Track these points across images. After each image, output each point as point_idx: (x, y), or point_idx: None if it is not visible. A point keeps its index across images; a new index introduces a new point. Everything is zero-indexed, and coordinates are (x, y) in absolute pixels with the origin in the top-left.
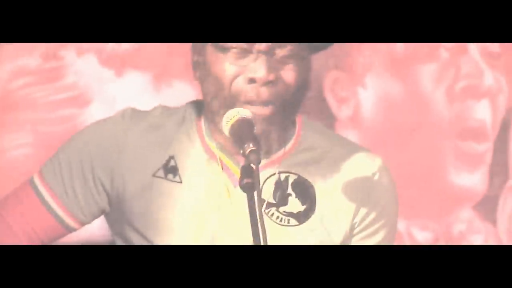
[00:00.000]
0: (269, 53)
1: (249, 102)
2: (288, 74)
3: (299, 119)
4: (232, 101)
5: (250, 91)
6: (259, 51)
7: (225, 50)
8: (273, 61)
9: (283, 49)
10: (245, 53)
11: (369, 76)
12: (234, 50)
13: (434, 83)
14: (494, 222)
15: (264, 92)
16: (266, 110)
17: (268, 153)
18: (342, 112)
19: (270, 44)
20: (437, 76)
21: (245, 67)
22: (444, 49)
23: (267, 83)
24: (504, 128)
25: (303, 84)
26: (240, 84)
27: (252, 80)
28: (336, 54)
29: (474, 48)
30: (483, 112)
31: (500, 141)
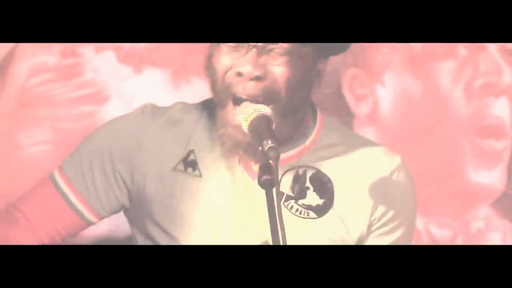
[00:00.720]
0: (260, 48)
1: (237, 97)
2: (279, 70)
3: (320, 118)
4: (225, 95)
5: (238, 84)
6: (249, 45)
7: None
8: (264, 57)
9: (276, 44)
10: (238, 46)
11: (387, 73)
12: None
13: (452, 80)
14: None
15: (251, 87)
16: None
17: (284, 148)
18: (360, 110)
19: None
20: (455, 74)
21: (237, 60)
22: (462, 47)
23: (254, 78)
24: None
25: (301, 82)
26: (230, 76)
27: (239, 74)
28: (355, 52)
29: (492, 45)
30: (501, 110)
31: None
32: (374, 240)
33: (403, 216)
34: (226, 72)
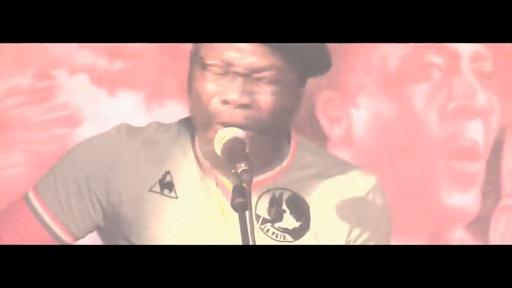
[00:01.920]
0: (246, 76)
1: (224, 124)
2: (265, 98)
3: (294, 139)
4: (210, 121)
5: (223, 112)
6: (235, 73)
7: (205, 67)
8: (249, 85)
9: (262, 73)
10: (224, 73)
11: (362, 96)
12: (213, 68)
13: (427, 103)
14: (486, 241)
15: (238, 114)
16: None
17: (259, 171)
18: (334, 132)
19: (248, 66)
20: (430, 96)
21: (222, 87)
22: (437, 69)
23: (241, 106)
24: (496, 148)
25: (284, 110)
26: (216, 104)
27: (225, 102)
28: (328, 74)
29: (466, 68)
30: (475, 132)
31: (492, 161)
32: None
33: (378, 237)
34: (211, 99)
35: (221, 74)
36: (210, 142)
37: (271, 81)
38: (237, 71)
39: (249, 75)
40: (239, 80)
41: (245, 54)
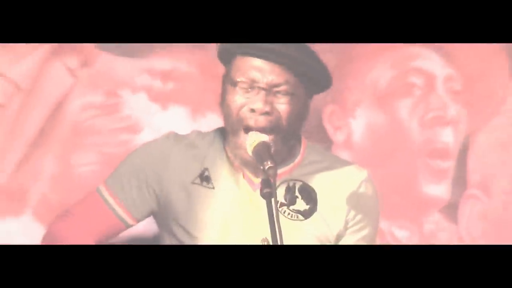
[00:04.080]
0: (268, 90)
1: (251, 128)
2: (282, 107)
3: (304, 142)
4: (238, 126)
5: (251, 118)
6: (259, 88)
7: (235, 84)
8: (270, 97)
9: (279, 87)
10: (250, 88)
11: (358, 109)
12: (242, 85)
13: (409, 114)
14: (456, 222)
15: (262, 120)
16: (262, 137)
17: (278, 166)
18: (337, 137)
19: (268, 82)
20: (412, 109)
21: (249, 99)
22: (417, 88)
23: (264, 113)
24: (463, 149)
25: (297, 116)
26: (244, 112)
27: (252, 110)
28: (332, 92)
29: (440, 87)
30: (447, 137)
31: (460, 159)
32: (349, 235)
33: (369, 218)
34: (240, 108)
35: (247, 89)
36: (239, 144)
37: (286, 94)
38: (260, 86)
39: (270, 89)
40: (262, 93)
41: (265, 73)
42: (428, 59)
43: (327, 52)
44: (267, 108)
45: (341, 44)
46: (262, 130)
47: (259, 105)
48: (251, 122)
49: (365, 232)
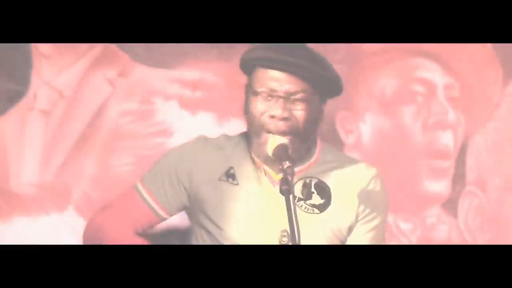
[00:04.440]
0: (286, 98)
1: (270, 131)
2: (299, 113)
3: (319, 143)
4: (261, 131)
5: (271, 123)
6: (278, 96)
7: (256, 94)
8: (288, 103)
9: (296, 95)
10: (269, 96)
11: (368, 115)
12: (262, 94)
13: (413, 119)
14: (455, 216)
15: (281, 125)
16: (282, 139)
17: (296, 165)
18: (348, 140)
19: (286, 91)
20: (415, 114)
21: (269, 107)
22: (420, 95)
23: (283, 119)
24: (462, 150)
25: (312, 120)
26: (265, 118)
27: (272, 116)
28: (344, 99)
29: (441, 94)
30: (447, 139)
31: (459, 159)
32: (360, 226)
33: (378, 210)
34: (262, 114)
35: (267, 98)
36: (261, 146)
37: (302, 100)
38: (279, 95)
39: (288, 97)
40: (281, 101)
41: (283, 83)
42: (429, 69)
43: (339, 64)
44: (285, 114)
45: (352, 56)
46: (282, 133)
47: (278, 112)
48: (272, 127)
49: (375, 222)
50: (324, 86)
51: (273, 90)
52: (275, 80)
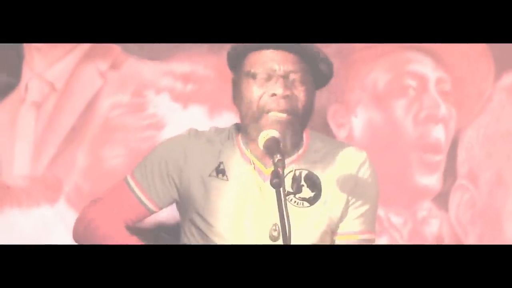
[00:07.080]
0: (285, 77)
1: (272, 110)
2: (299, 92)
3: (307, 132)
4: (259, 113)
5: (272, 102)
6: (278, 75)
7: (254, 76)
8: (288, 83)
9: (295, 75)
10: (269, 78)
11: (359, 108)
12: (260, 75)
13: (404, 112)
14: (446, 210)
15: (282, 103)
16: (283, 116)
17: (286, 155)
18: (340, 133)
19: (285, 69)
20: (407, 108)
21: (268, 87)
22: (412, 89)
23: (285, 97)
24: (453, 144)
25: (309, 104)
26: (265, 99)
27: (274, 95)
28: (336, 92)
29: (432, 88)
30: (439, 133)
31: (450, 153)
32: (351, 212)
33: (368, 195)
34: (261, 97)
35: (266, 79)
36: (261, 129)
37: (301, 82)
38: (279, 73)
39: (287, 76)
40: (281, 80)
41: (280, 62)
42: (421, 63)
43: (332, 58)
44: (287, 92)
45: (344, 50)
46: (284, 111)
47: (279, 90)
48: (273, 106)
49: (365, 207)
50: (316, 66)
51: (272, 70)
52: (272, 59)
